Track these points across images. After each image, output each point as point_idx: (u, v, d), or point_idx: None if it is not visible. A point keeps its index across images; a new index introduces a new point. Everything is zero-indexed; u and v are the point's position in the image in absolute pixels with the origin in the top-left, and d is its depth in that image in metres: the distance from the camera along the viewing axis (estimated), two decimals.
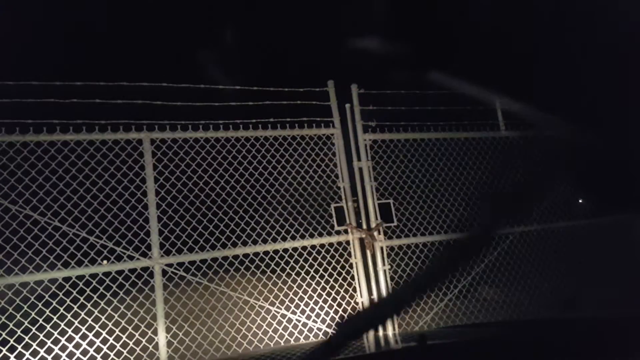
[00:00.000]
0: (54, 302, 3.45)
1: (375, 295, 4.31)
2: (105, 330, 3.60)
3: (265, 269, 4.15)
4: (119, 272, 3.66)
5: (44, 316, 3.42)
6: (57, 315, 3.45)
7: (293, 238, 4.24)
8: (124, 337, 3.61)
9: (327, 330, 4.22)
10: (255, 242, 4.13)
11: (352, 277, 4.35)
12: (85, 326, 3.55)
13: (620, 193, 5.42)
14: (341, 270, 4.35)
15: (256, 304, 4.08)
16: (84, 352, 3.49)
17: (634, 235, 5.41)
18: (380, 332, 4.14)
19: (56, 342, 3.42)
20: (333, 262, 4.33)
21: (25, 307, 3.38)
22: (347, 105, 4.65)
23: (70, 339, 3.49)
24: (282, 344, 3.99)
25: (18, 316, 3.36)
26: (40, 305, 3.42)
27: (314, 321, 4.21)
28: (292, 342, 4.03)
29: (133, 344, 3.59)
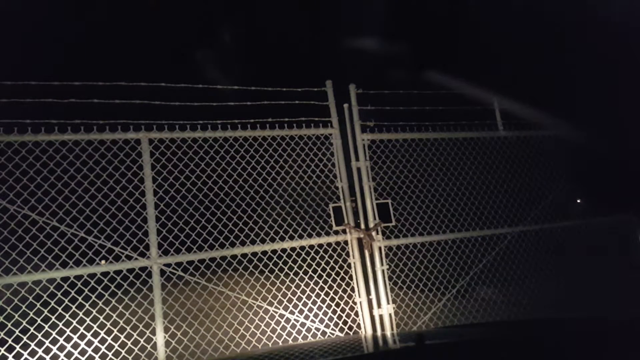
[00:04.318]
0: (52, 302, 3.45)
1: (373, 296, 4.31)
2: (104, 330, 3.60)
3: (263, 269, 4.15)
4: (117, 272, 3.66)
5: (42, 316, 3.41)
6: (56, 315, 3.44)
7: (291, 238, 4.23)
8: (122, 337, 3.61)
9: (325, 330, 4.22)
10: (253, 242, 4.12)
11: (351, 277, 4.35)
12: (84, 326, 3.55)
13: (618, 193, 5.42)
14: (339, 271, 4.35)
15: (254, 304, 4.08)
16: (82, 352, 3.49)
17: (632, 236, 5.43)
18: (379, 332, 4.15)
19: (54, 342, 3.42)
20: (331, 262, 4.32)
21: (24, 307, 3.38)
22: (345, 105, 4.64)
23: (68, 339, 3.49)
24: (280, 344, 3.99)
25: (16, 316, 3.35)
26: (38, 305, 3.42)
27: (312, 321, 4.21)
28: (291, 342, 4.03)
29: (131, 343, 3.59)
